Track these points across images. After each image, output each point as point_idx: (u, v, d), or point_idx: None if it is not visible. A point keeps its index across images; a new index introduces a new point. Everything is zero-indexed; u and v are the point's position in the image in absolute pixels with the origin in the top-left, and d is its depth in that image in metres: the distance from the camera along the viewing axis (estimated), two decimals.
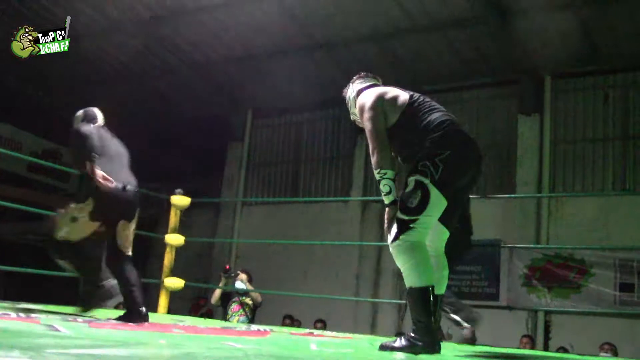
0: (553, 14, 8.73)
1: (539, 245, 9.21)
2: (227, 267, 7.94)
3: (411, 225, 2.88)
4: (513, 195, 9.36)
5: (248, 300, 7.63)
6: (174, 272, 6.20)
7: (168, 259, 6.20)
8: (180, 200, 6.25)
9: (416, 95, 3.18)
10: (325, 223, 10.72)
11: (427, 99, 3.18)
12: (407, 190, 2.93)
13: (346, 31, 9.81)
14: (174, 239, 6.22)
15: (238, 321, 7.31)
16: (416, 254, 2.89)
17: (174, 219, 6.29)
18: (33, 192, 10.95)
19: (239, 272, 7.83)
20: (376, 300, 10.15)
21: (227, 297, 7.78)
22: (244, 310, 7.57)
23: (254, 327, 4.95)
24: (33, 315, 3.52)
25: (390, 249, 2.96)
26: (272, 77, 11.16)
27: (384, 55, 10.01)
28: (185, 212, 6.45)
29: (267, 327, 4.82)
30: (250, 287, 7.69)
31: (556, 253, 9.04)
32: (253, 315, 7.70)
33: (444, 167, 2.89)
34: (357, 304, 10.25)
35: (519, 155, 9.68)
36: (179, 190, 6.33)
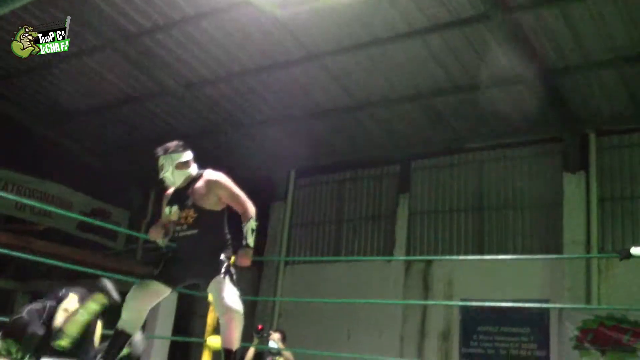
0: (596, 71, 8.73)
1: (587, 306, 8.90)
2: (260, 327, 7.97)
3: None
4: (560, 256, 9.16)
5: None
6: (216, 331, 6.19)
7: (211, 317, 6.21)
8: None
9: None
10: (368, 283, 10.60)
11: None
12: None
13: (387, 91, 9.92)
14: None
15: None
16: None
17: None
18: (81, 251, 11.12)
19: (271, 332, 7.84)
20: None
21: (259, 357, 7.76)
22: None
23: None
24: None
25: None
26: (314, 137, 11.31)
27: (425, 114, 10.10)
28: None
29: None
30: (282, 346, 7.65)
31: (608, 314, 8.72)
32: None
33: None
34: None
35: (565, 213, 9.48)
36: None
